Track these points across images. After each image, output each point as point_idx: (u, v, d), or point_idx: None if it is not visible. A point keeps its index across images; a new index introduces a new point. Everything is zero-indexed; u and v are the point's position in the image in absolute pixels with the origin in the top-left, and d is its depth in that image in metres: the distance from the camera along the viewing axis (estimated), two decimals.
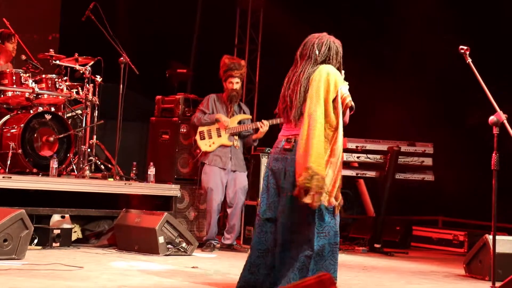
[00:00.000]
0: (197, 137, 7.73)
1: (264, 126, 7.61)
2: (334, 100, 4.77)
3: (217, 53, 8.07)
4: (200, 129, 7.74)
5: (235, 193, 7.64)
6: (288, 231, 4.81)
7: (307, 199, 4.61)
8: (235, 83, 7.67)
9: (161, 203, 7.76)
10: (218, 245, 7.66)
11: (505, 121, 5.13)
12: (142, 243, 6.83)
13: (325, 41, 4.94)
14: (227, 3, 11.32)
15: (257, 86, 11.39)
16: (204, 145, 7.69)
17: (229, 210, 7.71)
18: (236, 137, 7.73)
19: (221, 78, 7.73)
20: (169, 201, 7.76)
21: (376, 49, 10.42)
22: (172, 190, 7.76)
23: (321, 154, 4.65)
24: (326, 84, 4.78)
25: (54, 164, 7.10)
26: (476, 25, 9.86)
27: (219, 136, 7.69)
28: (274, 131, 6.71)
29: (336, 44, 4.96)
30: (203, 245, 7.56)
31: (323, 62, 4.90)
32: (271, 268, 4.86)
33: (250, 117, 7.88)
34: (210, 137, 7.69)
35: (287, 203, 4.80)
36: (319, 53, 4.89)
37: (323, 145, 4.68)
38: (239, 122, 7.75)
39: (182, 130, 8.19)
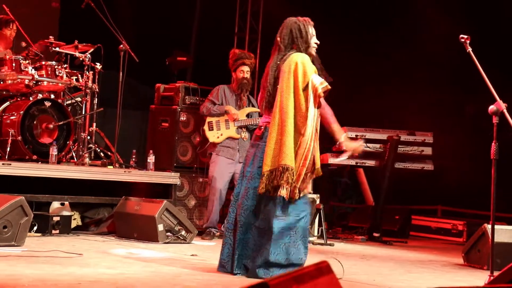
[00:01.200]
0: (206, 127, 7.71)
1: None
2: (305, 90, 4.79)
3: (217, 42, 8.05)
4: (208, 119, 7.72)
5: None
6: (251, 214, 4.96)
7: (282, 192, 4.77)
8: (246, 72, 7.66)
9: (161, 191, 7.76)
10: (218, 233, 7.66)
11: (505, 110, 5.12)
12: (142, 230, 6.84)
13: (286, 24, 4.99)
14: None
15: (256, 76, 11.35)
16: (212, 136, 7.68)
17: None
18: (244, 129, 7.73)
19: (229, 69, 7.71)
20: (169, 189, 7.77)
21: (379, 38, 10.38)
22: (171, 178, 7.77)
23: (292, 149, 4.78)
24: (295, 75, 4.82)
25: (53, 151, 7.10)
26: (481, 14, 9.83)
27: (228, 128, 7.68)
28: None
29: (298, 23, 4.96)
30: (203, 232, 7.57)
31: (290, 45, 4.95)
32: (234, 249, 5.03)
33: (259, 110, 7.86)
34: (219, 129, 7.68)
35: (251, 186, 4.95)
36: (280, 38, 4.95)
37: (293, 140, 4.78)
38: (247, 115, 7.76)
39: (182, 118, 8.18)
